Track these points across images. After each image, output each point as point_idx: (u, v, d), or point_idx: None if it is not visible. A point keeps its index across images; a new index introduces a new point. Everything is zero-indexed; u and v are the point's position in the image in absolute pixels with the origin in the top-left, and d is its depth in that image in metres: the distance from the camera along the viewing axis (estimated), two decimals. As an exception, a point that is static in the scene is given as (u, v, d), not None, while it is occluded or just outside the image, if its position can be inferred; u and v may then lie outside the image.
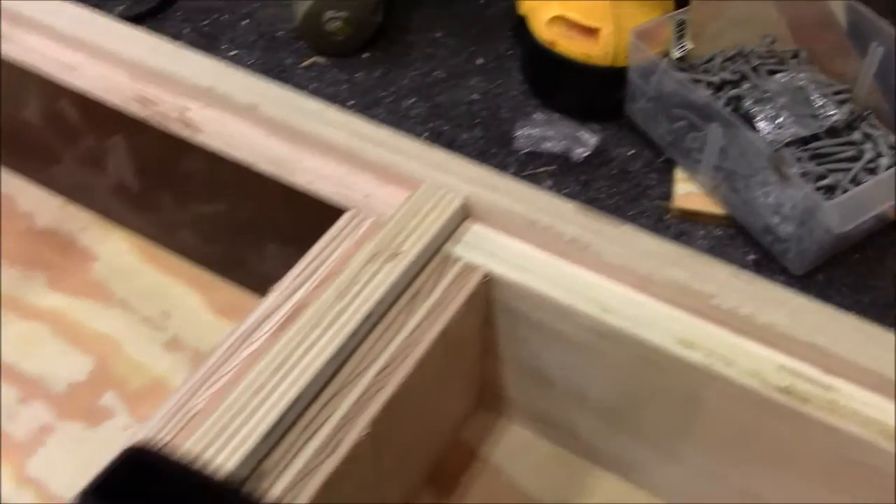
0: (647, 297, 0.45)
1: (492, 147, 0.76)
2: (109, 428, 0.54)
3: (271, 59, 0.84)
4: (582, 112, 0.77)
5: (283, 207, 0.52)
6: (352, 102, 0.79)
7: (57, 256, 0.63)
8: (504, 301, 0.47)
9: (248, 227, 0.56)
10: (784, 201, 0.65)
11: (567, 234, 0.46)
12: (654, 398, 0.46)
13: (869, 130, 0.71)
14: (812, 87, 0.73)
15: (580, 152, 0.74)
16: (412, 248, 0.46)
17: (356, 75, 0.83)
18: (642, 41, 0.71)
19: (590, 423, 0.51)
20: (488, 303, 0.48)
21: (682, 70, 0.73)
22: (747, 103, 0.72)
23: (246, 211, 0.55)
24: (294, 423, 0.40)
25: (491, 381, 0.53)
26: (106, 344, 0.58)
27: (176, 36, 0.82)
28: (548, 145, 0.75)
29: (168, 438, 0.39)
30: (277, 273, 0.57)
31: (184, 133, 0.53)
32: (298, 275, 0.46)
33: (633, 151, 0.76)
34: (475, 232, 0.48)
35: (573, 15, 0.73)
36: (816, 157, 0.70)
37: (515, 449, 0.54)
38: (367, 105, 0.79)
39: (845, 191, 0.65)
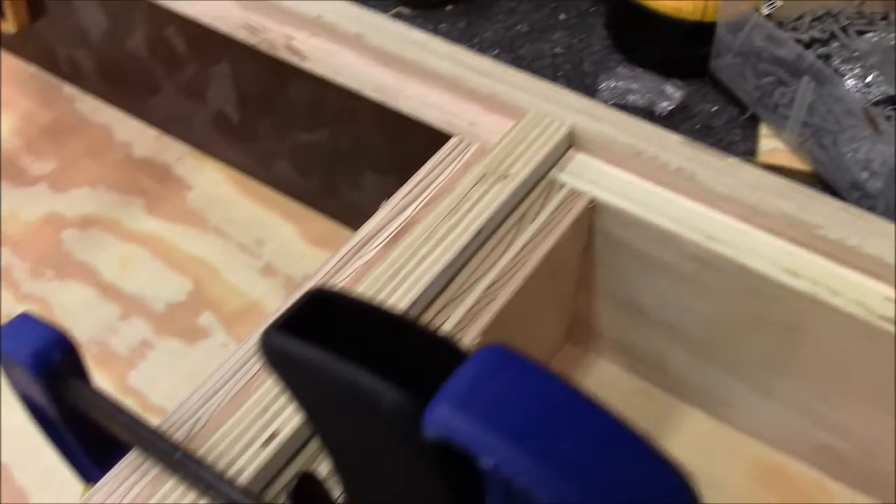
0: (753, 227, 0.45)
1: (575, 99, 0.77)
2: (207, 346, 0.56)
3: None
4: (666, 67, 0.77)
5: (385, 135, 0.53)
6: (435, 52, 0.80)
7: (153, 184, 0.65)
8: (606, 229, 0.48)
9: (346, 156, 0.57)
10: (874, 157, 0.65)
11: (672, 164, 0.47)
12: (752, 330, 0.47)
13: (961, 93, 0.70)
14: (905, 47, 0.72)
15: (664, 106, 0.74)
16: (520, 172, 0.46)
17: (440, 26, 0.84)
18: (733, -2, 0.71)
19: (681, 357, 0.51)
20: (590, 231, 0.48)
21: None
22: (836, 62, 0.71)
23: (346, 139, 0.56)
24: (408, 328, 0.41)
25: (582, 315, 0.54)
26: (202, 267, 0.60)
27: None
28: (631, 98, 0.75)
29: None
30: (372, 205, 0.58)
31: (291, 60, 0.54)
32: (408, 193, 0.47)
33: (716, 108, 0.76)
34: (580, 160, 0.49)
35: (664, -32, 0.73)
36: (902, 115, 0.69)
37: (602, 384, 0.54)
38: (450, 55, 0.80)
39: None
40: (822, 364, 0.46)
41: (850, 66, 0.71)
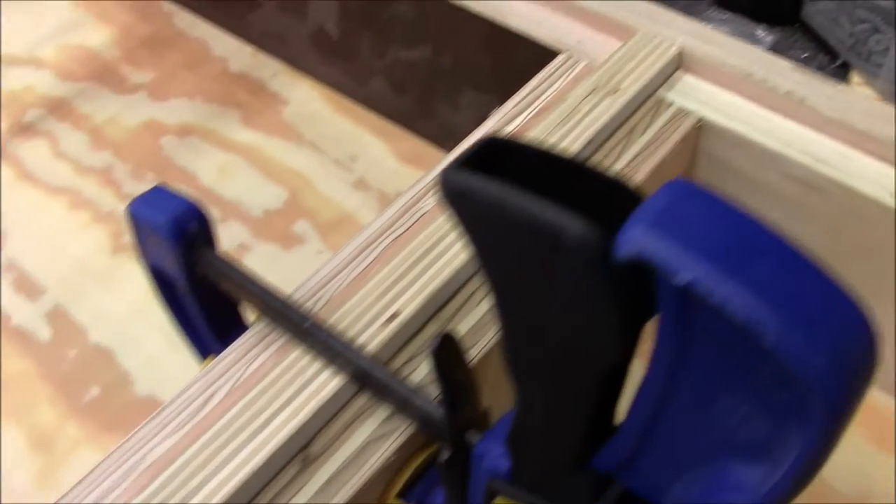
0: (862, 153, 0.46)
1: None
2: (303, 251, 0.57)
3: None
4: (758, 12, 0.77)
5: (490, 52, 0.54)
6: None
7: (250, 98, 0.66)
8: (711, 150, 0.48)
9: (446, 74, 0.58)
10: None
11: (782, 88, 0.47)
12: (856, 257, 0.47)
13: None
14: None
15: (754, 49, 0.74)
16: (630, 87, 0.47)
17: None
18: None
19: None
20: (695, 151, 0.49)
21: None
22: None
23: (448, 56, 0.57)
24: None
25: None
26: (298, 179, 0.61)
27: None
28: (721, 40, 0.75)
29: (393, 236, 0.42)
30: (468, 125, 0.59)
31: (398, -27, 0.55)
32: (517, 104, 0.48)
33: (806, 55, 0.75)
34: (688, 81, 0.49)
35: None
36: None
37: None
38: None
39: None
40: (921, 293, 0.46)
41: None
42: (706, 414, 0.23)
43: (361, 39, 0.61)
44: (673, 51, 0.49)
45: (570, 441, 0.26)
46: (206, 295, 0.38)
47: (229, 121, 0.64)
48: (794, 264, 0.20)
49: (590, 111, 0.46)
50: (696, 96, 0.48)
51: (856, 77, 0.72)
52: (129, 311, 0.54)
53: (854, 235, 0.46)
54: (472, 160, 0.23)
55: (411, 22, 0.57)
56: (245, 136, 0.64)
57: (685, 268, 0.19)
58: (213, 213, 0.59)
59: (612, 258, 0.20)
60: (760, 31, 0.74)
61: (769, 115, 0.47)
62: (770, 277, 0.19)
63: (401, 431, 0.35)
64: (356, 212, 0.59)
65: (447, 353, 0.29)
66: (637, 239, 0.20)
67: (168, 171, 0.61)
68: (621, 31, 0.50)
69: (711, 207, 0.20)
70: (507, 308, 0.25)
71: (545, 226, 0.21)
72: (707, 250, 0.19)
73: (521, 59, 0.52)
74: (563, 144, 0.44)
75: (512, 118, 0.47)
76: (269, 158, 0.62)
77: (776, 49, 0.75)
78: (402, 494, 0.36)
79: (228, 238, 0.58)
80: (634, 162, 0.45)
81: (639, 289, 0.22)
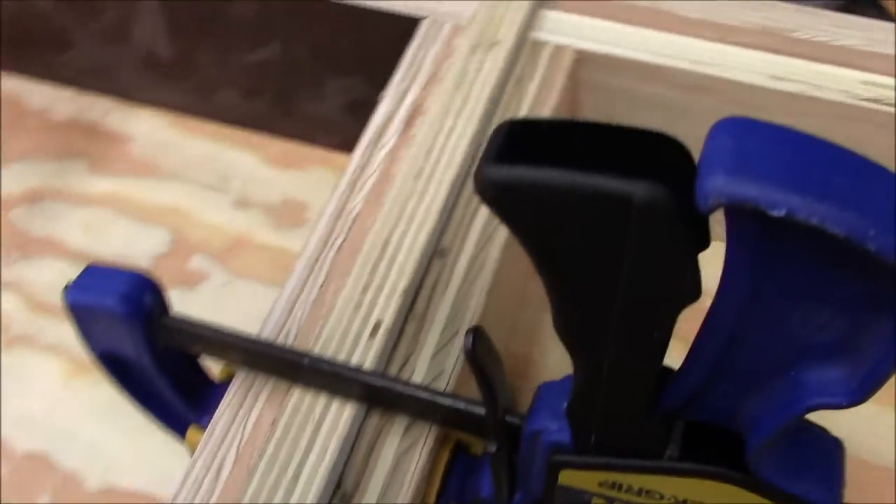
0: (732, 46, 0.48)
1: None
2: (209, 286, 0.54)
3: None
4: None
5: (349, 34, 0.53)
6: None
7: (88, 144, 0.61)
8: (592, 78, 0.49)
9: (303, 67, 0.55)
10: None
11: (642, 2, 0.49)
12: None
13: None
14: None
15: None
16: (507, 36, 0.47)
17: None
18: None
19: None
20: (577, 83, 0.50)
21: None
22: None
23: (302, 48, 0.54)
24: (457, 200, 0.41)
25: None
26: (175, 214, 0.58)
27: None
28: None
29: (335, 247, 0.40)
30: (337, 114, 0.57)
31: (228, -23, 0.52)
32: (402, 80, 0.47)
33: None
34: (553, 17, 0.50)
35: None
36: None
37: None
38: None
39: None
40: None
41: None
42: (782, 332, 0.24)
43: (199, 54, 0.57)
44: (531, -9, 0.49)
45: (641, 393, 0.27)
46: (172, 365, 0.36)
47: (76, 173, 0.59)
48: (866, 172, 0.21)
49: (479, 70, 0.46)
50: (566, 30, 0.49)
51: None
52: (46, 406, 0.49)
53: (743, 123, 0.49)
54: (504, 152, 0.23)
55: (253, 23, 0.54)
56: (100, 185, 0.59)
57: (780, 201, 0.19)
58: (98, 275, 0.55)
59: (700, 209, 0.20)
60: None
61: (637, 31, 0.49)
62: (853, 189, 0.20)
63: (425, 437, 0.34)
64: (247, 231, 0.57)
65: (480, 346, 0.29)
66: (723, 186, 0.20)
67: (30, 245, 0.56)
68: (476, -16, 0.50)
69: (772, 137, 0.21)
70: (568, 287, 0.24)
71: (610, 198, 0.21)
72: (791, 179, 0.20)
73: (381, 34, 0.51)
74: (468, 108, 0.44)
75: (403, 95, 0.46)
76: (136, 202, 0.58)
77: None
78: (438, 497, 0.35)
79: (125, 296, 0.54)
80: (535, 110, 0.46)
81: (702, 225, 0.22)
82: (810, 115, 0.47)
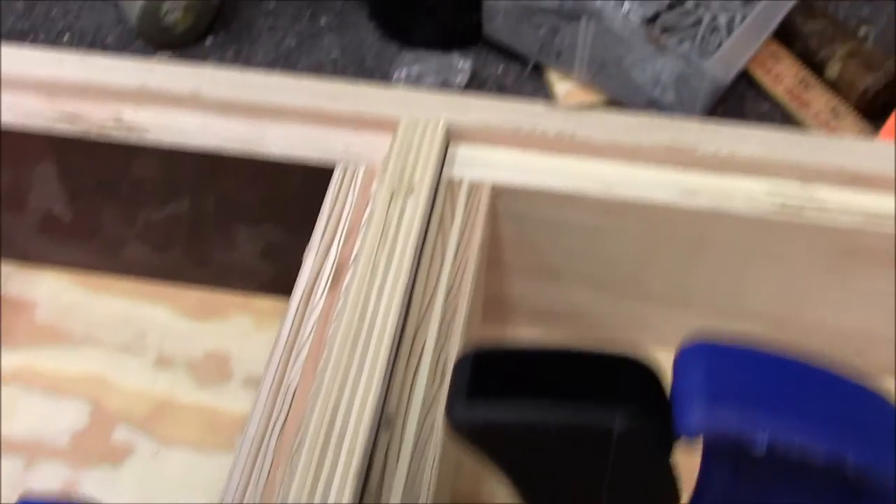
0: (641, 165, 0.49)
1: (373, 96, 0.77)
2: (138, 459, 0.52)
3: (113, 67, 0.79)
4: (444, 42, 0.80)
5: (258, 186, 0.52)
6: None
7: (-11, 316, 0.58)
8: (510, 208, 0.50)
9: (213, 219, 0.54)
10: (661, 71, 0.72)
11: (551, 130, 0.49)
12: (662, 255, 0.51)
13: (696, -2, 0.79)
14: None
15: (460, 80, 0.77)
16: (423, 180, 0.47)
17: (207, 62, 0.80)
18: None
19: (600, 301, 0.55)
20: (497, 215, 0.50)
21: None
22: (593, -1, 0.77)
23: (211, 202, 0.53)
24: (396, 361, 0.41)
25: (493, 293, 0.55)
26: (91, 384, 0.55)
27: None
28: (427, 81, 0.77)
29: (279, 426, 0.39)
30: (251, 259, 0.56)
31: (128, 138, 0.50)
32: (322, 235, 0.46)
33: (502, 67, 0.80)
34: (466, 152, 0.50)
35: (419, -50, 0.75)
36: (664, 30, 0.77)
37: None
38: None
39: (701, 52, 0.73)
40: (726, 265, 0.51)
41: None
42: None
43: (103, 213, 0.55)
44: (441, 129, 0.49)
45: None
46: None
47: (-21, 350, 0.56)
48: (835, 389, 0.21)
49: (400, 219, 0.45)
50: (479, 164, 0.50)
51: (553, 75, 0.78)
52: None
53: (659, 238, 0.50)
54: (473, 387, 0.22)
55: (158, 181, 0.52)
56: (7, 360, 0.56)
57: (761, 434, 0.19)
58: (14, 464, 0.51)
59: (680, 439, 0.20)
60: (458, 61, 0.78)
61: (550, 159, 0.50)
62: (827, 413, 0.20)
63: None
64: (171, 393, 0.54)
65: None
66: (703, 420, 0.20)
67: (-65, 436, 0.52)
68: (383, 124, 0.50)
69: (740, 361, 0.21)
70: (546, 507, 0.24)
71: (590, 430, 0.21)
72: (770, 407, 0.20)
73: (294, 183, 0.50)
74: (394, 260, 0.43)
75: (326, 251, 0.45)
76: (46, 374, 0.55)
77: (475, 71, 0.78)
78: None
79: (47, 482, 0.50)
80: (460, 251, 0.46)
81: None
82: (722, 229, 0.48)
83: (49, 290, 0.59)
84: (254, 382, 0.54)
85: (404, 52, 0.80)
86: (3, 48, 0.53)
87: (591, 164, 0.49)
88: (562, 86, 0.77)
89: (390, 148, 0.49)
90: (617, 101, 0.76)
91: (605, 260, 0.52)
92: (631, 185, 0.48)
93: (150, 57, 0.81)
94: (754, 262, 0.50)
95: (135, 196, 0.54)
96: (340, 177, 0.49)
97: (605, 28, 0.72)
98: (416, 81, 0.77)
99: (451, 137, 0.50)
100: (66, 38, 0.83)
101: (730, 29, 0.74)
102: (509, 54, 0.80)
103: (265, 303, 0.58)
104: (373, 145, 0.50)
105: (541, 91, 0.78)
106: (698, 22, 0.77)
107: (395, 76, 0.77)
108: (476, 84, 0.78)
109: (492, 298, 0.56)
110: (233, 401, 0.54)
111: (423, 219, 0.45)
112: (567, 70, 0.77)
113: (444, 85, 0.77)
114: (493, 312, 0.57)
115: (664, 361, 0.55)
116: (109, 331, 0.57)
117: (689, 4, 0.79)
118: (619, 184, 0.49)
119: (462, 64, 0.77)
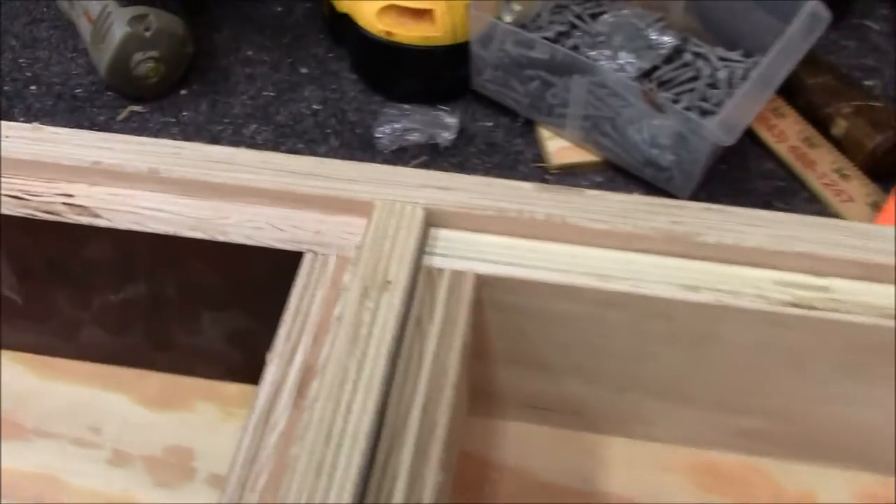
0: (638, 253, 0.45)
1: (355, 153, 0.73)
2: (87, 572, 0.47)
3: (81, 121, 0.75)
4: (430, 96, 0.76)
5: (220, 271, 0.47)
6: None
7: (-66, 404, 0.53)
8: (496, 299, 0.46)
9: (173, 303, 0.50)
10: (658, 132, 0.68)
11: (539, 214, 0.45)
12: (662, 349, 0.47)
13: (696, 50, 0.75)
14: (637, 20, 0.76)
15: (447, 136, 0.73)
16: (399, 273, 0.43)
17: (183, 115, 0.76)
18: (480, 11, 0.71)
19: (593, 395, 0.50)
20: (480, 305, 0.46)
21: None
22: (585, 50, 0.73)
23: (170, 287, 0.49)
24: (365, 492, 0.36)
25: (479, 385, 0.51)
26: (41, 482, 0.50)
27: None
28: (412, 137, 0.73)
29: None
30: (215, 343, 0.52)
31: (78, 220, 0.46)
32: (288, 335, 0.42)
33: (490, 123, 0.76)
34: (446, 238, 0.46)
35: (404, 1, 0.71)
36: (661, 84, 0.73)
37: (517, 444, 0.52)
38: (207, 143, 0.73)
39: (701, 109, 0.69)
40: (732, 360, 0.47)
41: (599, 52, 0.73)
42: None
43: (55, 296, 0.51)
44: (419, 213, 0.45)
45: None
46: None
47: (-81, 443, 0.52)
48: None
49: (374, 320, 0.41)
50: (461, 251, 0.45)
51: (544, 131, 0.74)
52: None
53: (658, 332, 0.46)
54: None
55: (113, 265, 0.48)
56: (-52, 454, 0.51)
57: None
58: (-49, 573, 0.47)
59: None
60: (445, 116, 0.74)
61: (539, 246, 0.46)
62: None
63: None
64: (128, 493, 0.50)
65: None
66: None
67: None
68: (356, 206, 0.46)
69: None
70: None
71: None
72: None
73: (259, 268, 0.46)
74: (366, 370, 0.39)
75: (291, 354, 0.41)
76: (-8, 471, 0.51)
77: (462, 126, 0.75)
78: None
79: None
80: (439, 356, 0.41)
81: None
82: (727, 323, 0.44)
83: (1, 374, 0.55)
84: (219, 482, 0.50)
85: (387, 105, 0.76)
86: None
87: (585, 252, 0.45)
88: (553, 143, 0.73)
89: (364, 234, 0.44)
90: (611, 160, 0.72)
91: (600, 353, 0.48)
92: (628, 276, 0.44)
93: (121, 109, 0.77)
94: (761, 358, 0.46)
95: (89, 279, 0.50)
96: (309, 266, 0.45)
97: (600, 83, 0.68)
98: (400, 139, 0.73)
99: (431, 221, 0.46)
100: (33, 89, 0.79)
101: (731, 85, 0.71)
102: (497, 107, 0.76)
103: (232, 388, 0.54)
104: (346, 229, 0.46)
105: (531, 148, 0.74)
106: (696, 77, 0.73)
107: (379, 132, 0.73)
108: (464, 140, 0.74)
109: (478, 391, 0.52)
110: (196, 502, 0.50)
111: (398, 318, 0.41)
112: (559, 126, 0.73)
113: (430, 141, 0.73)
114: (480, 406, 0.53)
115: (661, 457, 0.51)
116: (62, 422, 0.53)
117: (686, 57, 0.75)
118: (615, 275, 0.44)
119: (449, 120, 0.73)
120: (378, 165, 0.47)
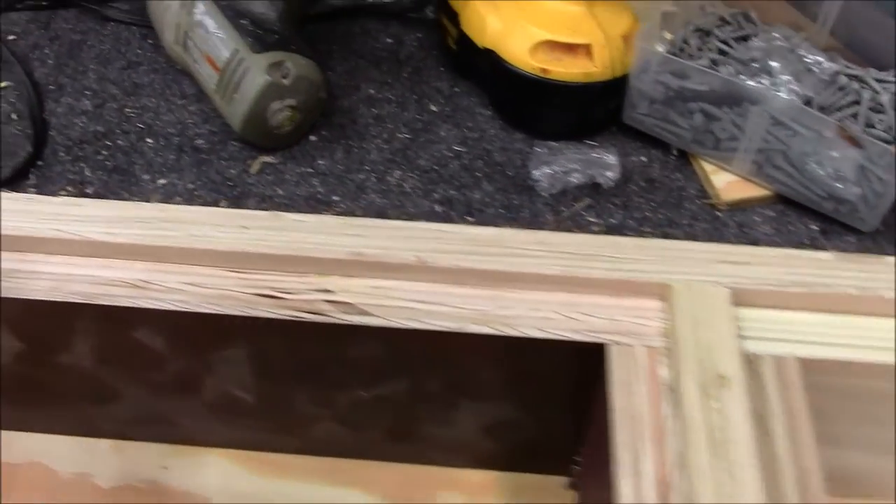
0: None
1: (512, 198, 0.69)
2: None
3: (212, 176, 0.70)
4: (578, 132, 0.72)
5: (498, 365, 0.44)
6: (336, 198, 0.68)
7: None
8: (813, 380, 0.42)
9: (432, 397, 0.46)
10: (840, 165, 0.65)
11: (849, 287, 0.42)
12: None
13: (849, 72, 0.72)
14: (785, 42, 0.73)
15: (610, 176, 0.69)
16: (729, 366, 0.39)
17: (319, 163, 0.72)
18: (645, 42, 0.67)
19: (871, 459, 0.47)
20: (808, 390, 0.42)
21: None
22: (743, 79, 0.70)
23: (435, 382, 0.45)
24: None
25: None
26: None
27: (80, 182, 0.66)
28: (574, 179, 0.69)
29: None
30: (463, 434, 0.48)
31: (349, 318, 0.42)
32: (626, 443, 0.38)
33: (644, 158, 0.72)
34: (756, 319, 0.42)
35: (561, 36, 0.67)
36: (822, 110, 0.70)
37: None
38: (354, 194, 0.68)
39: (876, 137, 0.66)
40: None
41: (759, 79, 0.70)
42: None
43: (294, 395, 0.47)
44: (724, 293, 0.42)
45: None
46: None
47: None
48: None
49: (724, 422, 0.38)
50: (776, 334, 0.42)
51: (705, 164, 0.70)
52: None
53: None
54: None
55: (372, 364, 0.44)
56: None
57: None
58: None
59: None
60: (605, 155, 0.70)
61: (853, 321, 0.42)
62: None
63: None
64: None
65: None
66: None
67: None
68: (649, 289, 0.42)
69: None
70: None
71: None
72: None
73: (544, 359, 0.42)
74: (737, 476, 0.36)
75: (634, 464, 0.37)
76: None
77: (623, 162, 0.71)
78: None
79: None
80: (795, 446, 0.38)
81: None
82: None
83: (217, 475, 0.50)
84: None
85: (536, 144, 0.72)
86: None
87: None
88: (719, 178, 0.70)
89: (669, 320, 0.41)
90: (783, 194, 0.69)
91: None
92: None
93: (250, 160, 0.72)
94: None
95: (340, 379, 0.45)
96: (617, 359, 0.41)
97: (775, 115, 0.65)
98: (560, 181, 0.69)
99: (739, 300, 0.43)
100: (150, 142, 0.73)
101: (896, 107, 0.68)
102: (646, 139, 0.73)
103: (475, 476, 0.50)
104: (639, 314, 0.42)
105: (692, 183, 0.71)
106: (857, 101, 0.70)
107: (537, 174, 0.69)
108: (622, 178, 0.71)
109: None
110: None
111: (749, 418, 0.38)
112: (725, 160, 0.70)
113: (591, 181, 0.69)
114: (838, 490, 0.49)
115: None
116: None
117: (841, 80, 0.72)
118: (937, 348, 0.41)
119: (610, 159, 0.70)
120: (662, 241, 0.44)
